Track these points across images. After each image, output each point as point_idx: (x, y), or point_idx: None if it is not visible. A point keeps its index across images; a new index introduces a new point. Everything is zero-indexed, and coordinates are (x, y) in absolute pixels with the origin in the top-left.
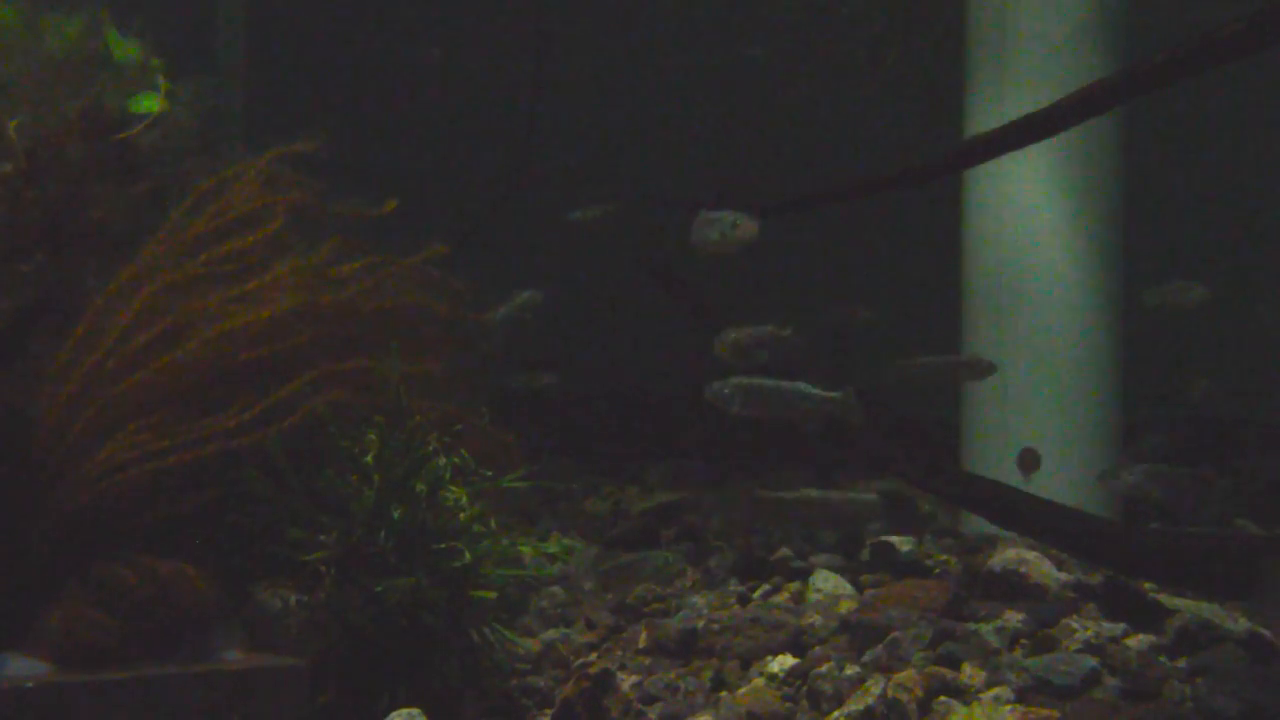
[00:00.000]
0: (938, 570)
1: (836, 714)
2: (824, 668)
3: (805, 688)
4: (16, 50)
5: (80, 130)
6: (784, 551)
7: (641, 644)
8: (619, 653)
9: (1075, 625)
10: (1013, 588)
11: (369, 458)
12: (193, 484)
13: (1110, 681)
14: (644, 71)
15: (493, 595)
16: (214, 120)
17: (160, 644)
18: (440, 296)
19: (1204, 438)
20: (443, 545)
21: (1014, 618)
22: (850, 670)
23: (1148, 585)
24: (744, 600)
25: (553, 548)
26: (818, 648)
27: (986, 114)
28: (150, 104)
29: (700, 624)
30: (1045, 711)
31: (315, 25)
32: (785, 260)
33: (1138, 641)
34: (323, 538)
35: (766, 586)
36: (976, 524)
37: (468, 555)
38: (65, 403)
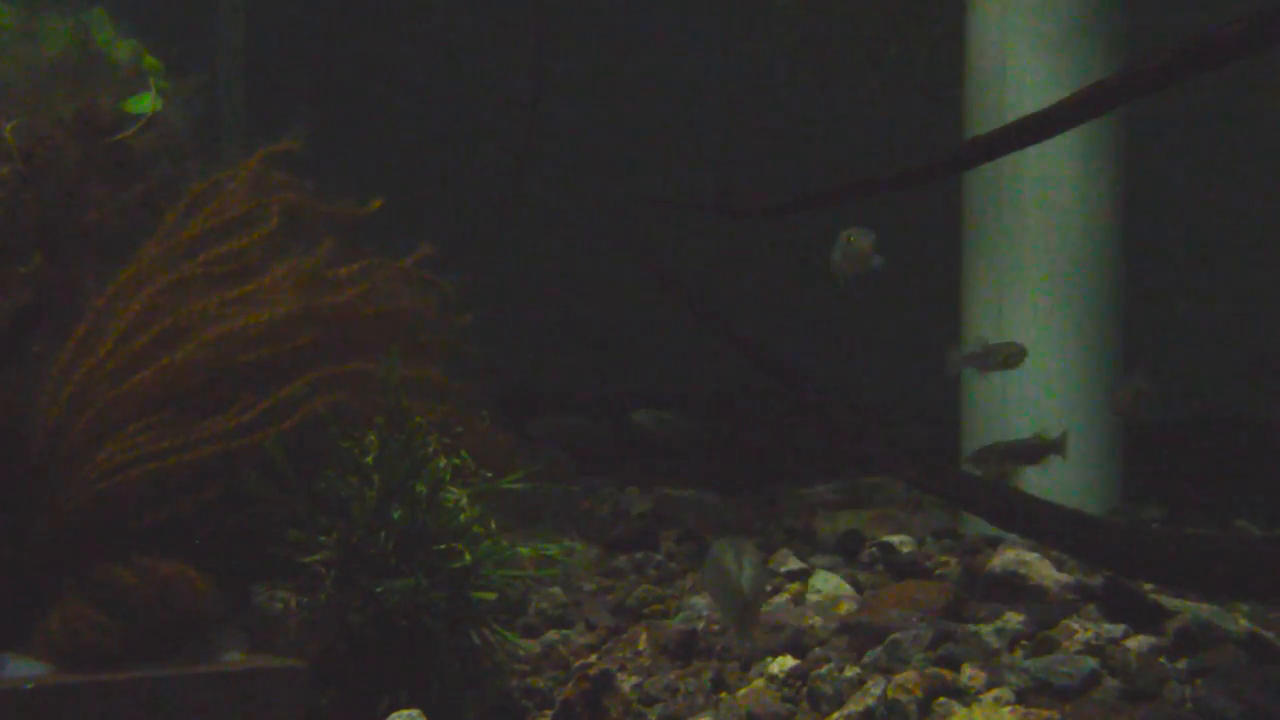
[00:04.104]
0: (938, 571)
1: (836, 715)
2: (824, 669)
3: (805, 689)
4: (13, 53)
5: (77, 132)
6: (784, 552)
7: (641, 645)
8: (619, 654)
9: (1075, 626)
10: (1013, 589)
11: (369, 459)
12: (193, 485)
13: (1110, 683)
14: (641, 70)
15: (493, 596)
16: (211, 121)
17: (160, 645)
18: (432, 299)
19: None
20: (443, 546)
21: (1014, 619)
22: (850, 671)
23: (1148, 586)
24: None
25: (553, 549)
26: (818, 649)
27: (986, 114)
28: (145, 104)
29: (700, 625)
30: (1045, 713)
31: (316, 25)
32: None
33: (1138, 643)
34: (323, 539)
35: (766, 588)
36: (976, 525)
37: (468, 556)
38: (65, 404)
